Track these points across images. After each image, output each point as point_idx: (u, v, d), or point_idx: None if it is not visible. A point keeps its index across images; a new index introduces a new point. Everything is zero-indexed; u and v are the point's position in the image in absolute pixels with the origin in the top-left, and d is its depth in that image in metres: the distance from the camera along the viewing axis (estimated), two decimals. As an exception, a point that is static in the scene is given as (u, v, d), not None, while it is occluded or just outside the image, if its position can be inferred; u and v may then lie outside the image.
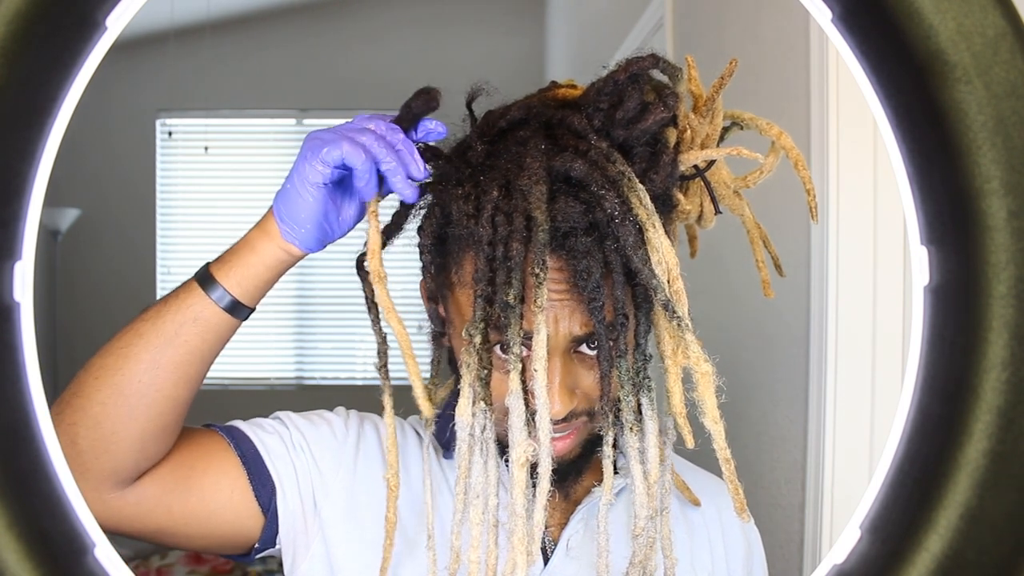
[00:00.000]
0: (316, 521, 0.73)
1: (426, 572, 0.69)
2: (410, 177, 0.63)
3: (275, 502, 0.72)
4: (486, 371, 0.60)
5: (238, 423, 0.75)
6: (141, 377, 0.65)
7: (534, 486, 0.59)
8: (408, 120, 0.66)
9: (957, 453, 0.48)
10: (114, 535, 0.68)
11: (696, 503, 0.81)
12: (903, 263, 1.16)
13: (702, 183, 0.69)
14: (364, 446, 0.77)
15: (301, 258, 0.68)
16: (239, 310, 0.68)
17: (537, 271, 0.58)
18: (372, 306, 0.67)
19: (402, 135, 0.64)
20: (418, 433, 0.80)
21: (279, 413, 0.78)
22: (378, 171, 0.63)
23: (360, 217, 0.68)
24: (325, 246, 0.68)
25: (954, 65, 0.47)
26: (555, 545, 0.75)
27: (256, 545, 0.74)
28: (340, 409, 0.81)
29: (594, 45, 2.96)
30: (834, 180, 1.18)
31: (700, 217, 0.71)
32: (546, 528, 0.75)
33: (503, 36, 4.24)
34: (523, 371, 0.60)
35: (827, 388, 1.20)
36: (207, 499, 0.71)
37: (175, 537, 0.72)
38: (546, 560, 0.74)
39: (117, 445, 0.65)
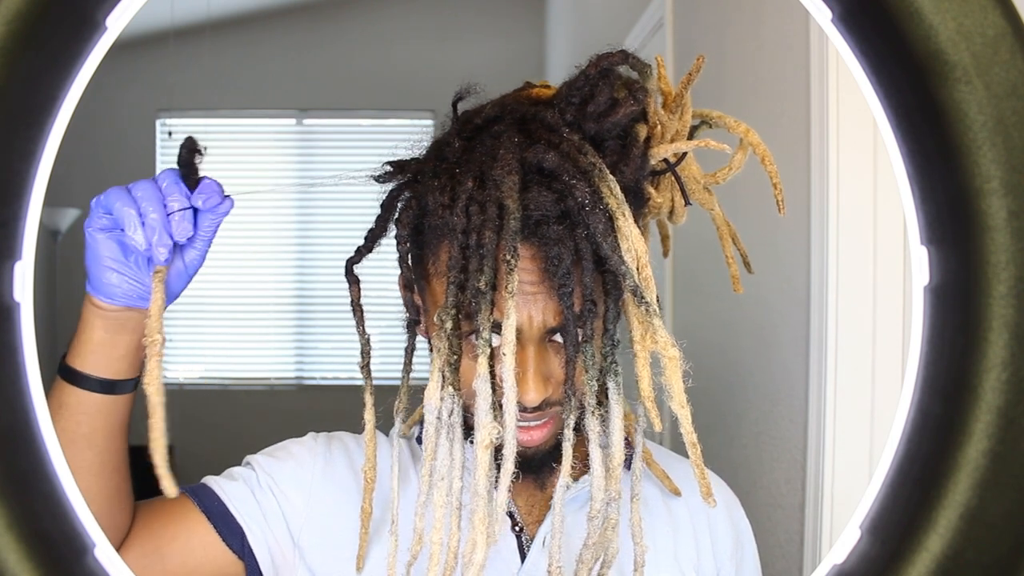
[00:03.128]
0: (296, 552, 0.76)
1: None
2: (172, 238, 0.61)
3: (248, 545, 0.75)
4: (456, 356, 0.61)
5: (208, 479, 0.78)
6: None
7: (499, 468, 0.60)
8: (183, 175, 0.64)
9: (957, 453, 0.48)
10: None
11: (676, 493, 0.81)
12: (903, 263, 1.16)
13: (673, 179, 0.70)
14: (332, 470, 0.79)
15: (122, 316, 0.64)
16: (99, 385, 0.65)
17: (508, 258, 0.59)
18: (356, 308, 0.71)
19: (179, 193, 0.62)
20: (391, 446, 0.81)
21: (249, 458, 0.80)
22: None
23: (189, 271, 0.66)
24: (135, 300, 0.64)
25: (954, 65, 0.47)
26: (531, 542, 0.76)
27: None
28: (309, 436, 0.83)
29: (594, 45, 2.95)
30: (834, 180, 1.18)
31: (671, 212, 0.73)
32: (524, 526, 0.76)
33: (503, 36, 4.24)
34: (494, 358, 0.61)
35: (827, 388, 1.20)
36: (186, 561, 0.74)
37: None
38: (523, 557, 0.75)
39: None
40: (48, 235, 3.92)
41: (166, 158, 4.28)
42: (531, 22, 4.26)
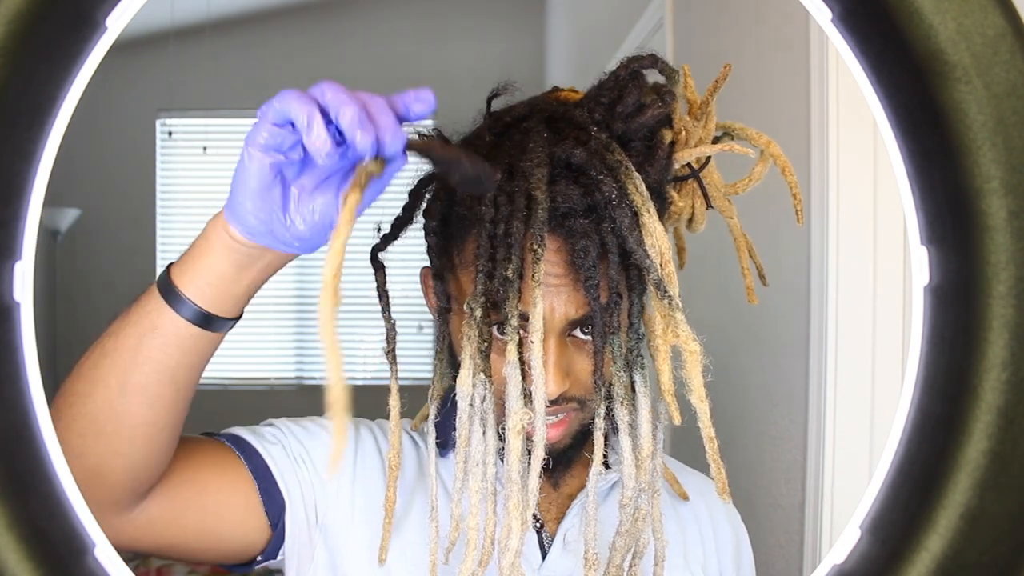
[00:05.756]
0: (319, 530, 0.74)
1: (422, 568, 0.70)
2: (381, 152, 0.50)
3: (284, 518, 0.72)
4: (486, 344, 0.62)
5: (241, 432, 0.73)
6: (112, 405, 0.59)
7: (530, 454, 0.61)
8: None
9: (957, 453, 0.48)
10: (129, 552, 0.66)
11: (684, 497, 0.82)
12: (903, 263, 1.16)
13: (695, 186, 0.71)
14: (361, 451, 0.77)
15: (260, 255, 0.57)
16: (203, 318, 0.59)
17: (535, 247, 0.60)
18: (382, 293, 0.70)
19: (382, 99, 0.52)
20: (412, 438, 0.81)
21: (274, 421, 0.77)
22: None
23: (329, 220, 0.56)
24: (280, 244, 0.56)
25: (954, 65, 0.47)
26: (552, 540, 0.76)
27: (259, 557, 0.74)
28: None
29: (594, 45, 2.96)
30: (834, 180, 1.18)
31: (691, 219, 0.74)
32: (544, 523, 0.77)
33: (503, 36, 4.24)
34: (520, 346, 0.62)
35: (827, 388, 1.20)
36: (222, 516, 0.70)
37: (185, 552, 0.71)
38: (544, 555, 0.75)
39: (104, 477, 0.61)
40: (48, 235, 3.92)
41: (166, 158, 4.28)
42: (531, 22, 4.26)
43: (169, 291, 0.59)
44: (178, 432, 0.64)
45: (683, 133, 0.69)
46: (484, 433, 0.62)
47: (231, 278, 0.58)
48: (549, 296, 0.64)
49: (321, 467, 0.74)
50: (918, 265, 0.52)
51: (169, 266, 0.60)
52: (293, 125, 0.51)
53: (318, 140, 0.50)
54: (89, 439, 0.59)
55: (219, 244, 0.57)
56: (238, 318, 0.62)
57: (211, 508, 0.70)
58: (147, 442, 0.62)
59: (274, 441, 0.74)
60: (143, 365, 0.59)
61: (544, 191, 0.61)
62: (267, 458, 0.72)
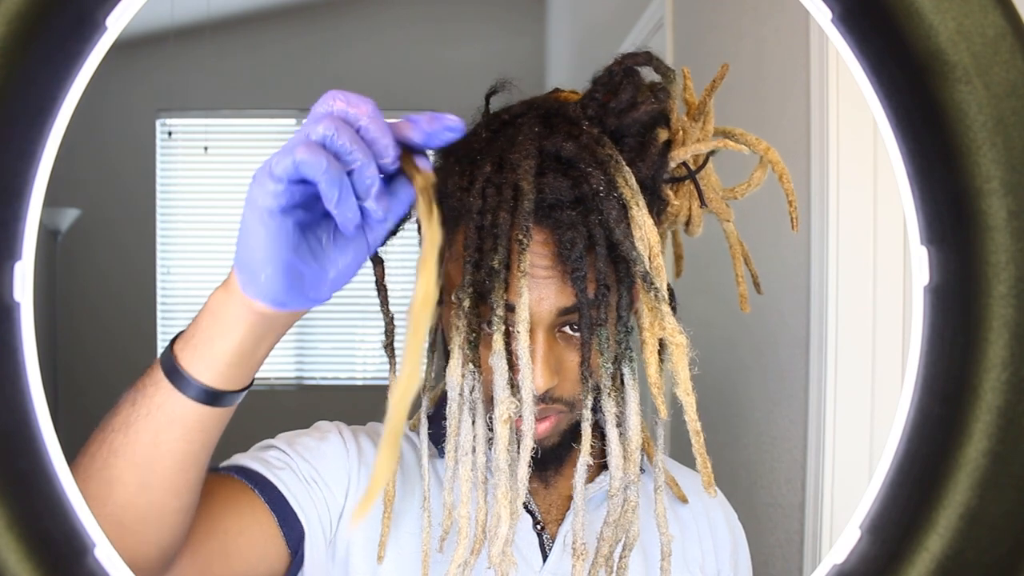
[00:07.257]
0: (332, 545, 0.75)
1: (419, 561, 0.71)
2: (381, 170, 0.49)
3: (303, 545, 0.72)
4: (474, 334, 0.62)
5: (249, 463, 0.72)
6: (134, 502, 0.57)
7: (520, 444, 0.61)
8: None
9: (957, 453, 0.48)
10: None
11: (683, 499, 0.83)
12: (903, 263, 1.16)
13: (692, 187, 0.71)
14: (364, 461, 0.78)
15: (282, 319, 0.56)
16: (223, 397, 0.57)
17: (521, 237, 0.60)
18: (380, 288, 0.69)
19: (370, 107, 0.48)
20: (409, 438, 0.81)
21: (272, 442, 0.76)
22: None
23: (362, 259, 0.56)
24: (311, 302, 0.54)
25: (954, 65, 0.47)
26: (553, 542, 0.76)
27: None
28: (324, 424, 0.80)
29: (594, 45, 2.96)
30: (834, 180, 1.18)
31: (688, 222, 0.73)
32: (544, 525, 0.76)
33: (503, 36, 4.24)
34: (508, 339, 0.62)
35: (827, 388, 1.20)
36: (247, 558, 0.69)
37: None
38: (545, 557, 0.75)
39: (136, 563, 0.57)
40: (48, 235, 3.92)
41: (166, 158, 4.28)
42: (531, 22, 4.26)
43: (182, 380, 0.56)
44: (198, 498, 0.63)
45: (680, 133, 0.69)
46: (473, 423, 0.62)
47: (251, 351, 0.57)
48: (536, 287, 0.64)
49: (332, 483, 0.74)
50: (918, 265, 0.52)
51: (172, 346, 0.57)
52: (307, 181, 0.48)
53: (349, 213, 0.48)
54: (114, 538, 0.56)
55: (238, 321, 0.55)
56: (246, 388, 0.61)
57: (235, 553, 0.69)
58: (175, 524, 0.60)
59: (282, 466, 0.73)
60: (164, 459, 0.57)
61: (531, 182, 0.61)
62: (281, 487, 0.71)
